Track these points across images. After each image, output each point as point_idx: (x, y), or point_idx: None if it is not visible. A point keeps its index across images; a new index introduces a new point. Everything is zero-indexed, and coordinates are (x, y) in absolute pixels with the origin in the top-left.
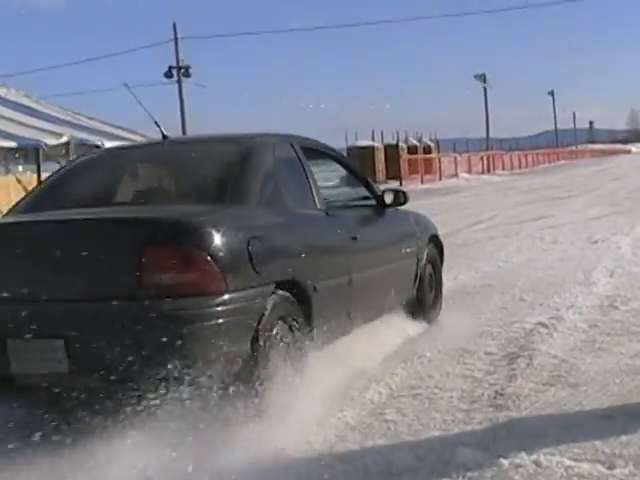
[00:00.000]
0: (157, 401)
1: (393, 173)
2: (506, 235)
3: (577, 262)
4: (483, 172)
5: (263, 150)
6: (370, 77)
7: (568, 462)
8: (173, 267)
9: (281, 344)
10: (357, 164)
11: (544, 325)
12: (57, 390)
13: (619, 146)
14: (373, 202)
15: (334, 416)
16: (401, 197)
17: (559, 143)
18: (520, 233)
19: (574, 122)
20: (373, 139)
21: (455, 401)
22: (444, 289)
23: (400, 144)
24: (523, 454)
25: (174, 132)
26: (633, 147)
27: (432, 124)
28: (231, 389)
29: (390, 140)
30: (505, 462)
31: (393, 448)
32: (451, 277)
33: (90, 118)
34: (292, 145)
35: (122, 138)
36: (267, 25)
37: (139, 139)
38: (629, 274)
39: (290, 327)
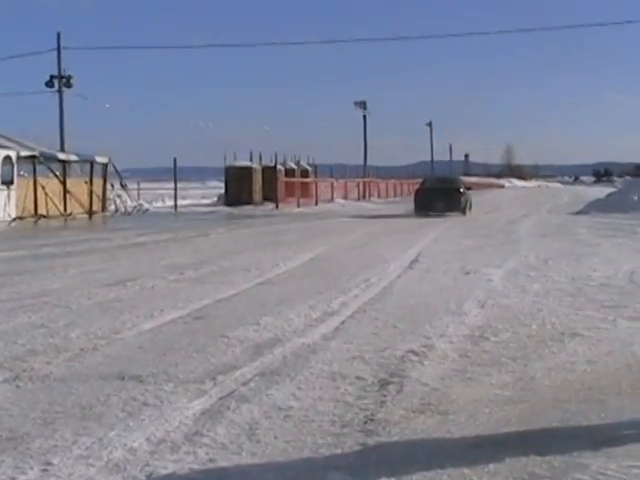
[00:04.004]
0: (455, 213)
1: (270, 195)
2: (375, 264)
3: (449, 292)
4: (359, 199)
5: (461, 179)
6: (252, 99)
7: None
8: (462, 194)
9: (467, 201)
10: (234, 184)
11: (415, 353)
12: (441, 210)
13: (493, 180)
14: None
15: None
16: (470, 188)
17: (434, 174)
18: (390, 262)
19: (450, 154)
20: (251, 160)
21: None
22: None
23: (278, 166)
24: None
25: (53, 141)
26: (506, 182)
27: (311, 148)
28: (463, 209)
29: (268, 162)
30: None
31: None
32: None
33: None
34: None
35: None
36: (163, 41)
37: (14, 146)
38: (500, 306)
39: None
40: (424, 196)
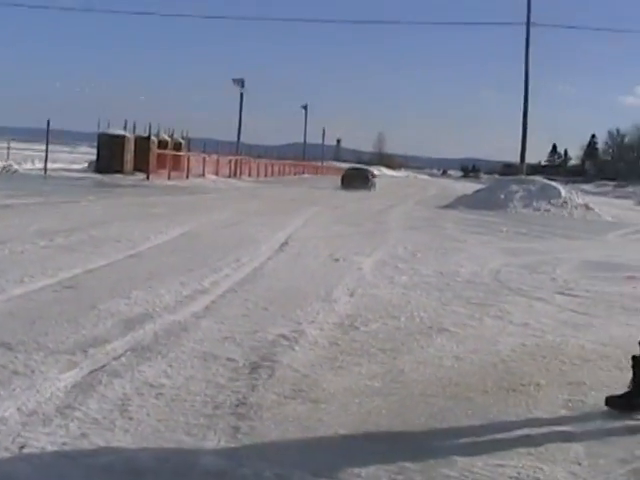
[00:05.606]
0: (361, 187)
1: (141, 165)
2: (246, 244)
3: (320, 278)
4: (230, 176)
5: (371, 170)
6: (130, 67)
7: (309, 477)
8: (370, 179)
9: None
10: (106, 151)
11: (286, 338)
12: (358, 188)
13: (363, 167)
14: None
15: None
16: (375, 176)
17: (306, 156)
18: (261, 243)
19: (323, 138)
20: (125, 129)
21: None
22: None
23: (152, 137)
24: (265, 465)
25: None
26: (376, 170)
27: (186, 122)
28: (369, 188)
29: (142, 132)
30: (248, 472)
31: None
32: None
33: None
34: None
35: None
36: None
37: None
38: (369, 295)
39: (373, 183)
40: (348, 178)
